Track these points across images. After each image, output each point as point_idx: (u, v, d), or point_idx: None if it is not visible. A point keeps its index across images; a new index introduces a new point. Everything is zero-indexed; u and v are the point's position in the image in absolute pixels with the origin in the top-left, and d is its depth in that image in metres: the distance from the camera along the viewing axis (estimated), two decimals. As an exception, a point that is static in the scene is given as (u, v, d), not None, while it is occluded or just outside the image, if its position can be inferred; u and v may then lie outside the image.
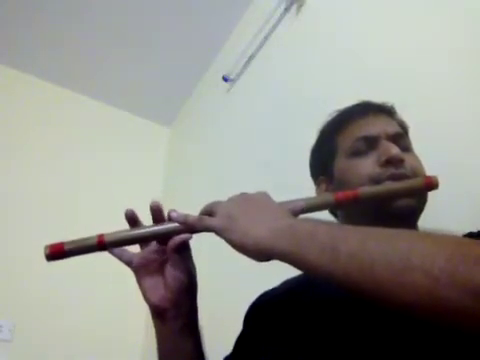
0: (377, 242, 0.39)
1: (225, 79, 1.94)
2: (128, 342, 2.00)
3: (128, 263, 0.62)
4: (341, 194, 0.60)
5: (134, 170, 2.38)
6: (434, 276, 0.33)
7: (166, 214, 0.60)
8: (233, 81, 1.94)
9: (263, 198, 0.55)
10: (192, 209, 0.62)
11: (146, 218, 0.61)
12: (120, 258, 0.62)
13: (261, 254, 0.48)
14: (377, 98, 0.74)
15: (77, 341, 1.88)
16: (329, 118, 0.75)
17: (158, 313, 0.61)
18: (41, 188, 2.10)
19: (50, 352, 1.81)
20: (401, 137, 0.67)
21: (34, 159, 2.16)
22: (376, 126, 0.67)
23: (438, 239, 0.37)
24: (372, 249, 0.38)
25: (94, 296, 1.99)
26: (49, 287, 1.91)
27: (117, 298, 2.01)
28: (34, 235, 1.86)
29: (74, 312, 1.92)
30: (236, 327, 0.69)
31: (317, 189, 0.72)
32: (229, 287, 1.48)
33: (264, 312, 0.65)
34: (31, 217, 2.02)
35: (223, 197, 0.58)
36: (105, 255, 0.62)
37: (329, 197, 0.61)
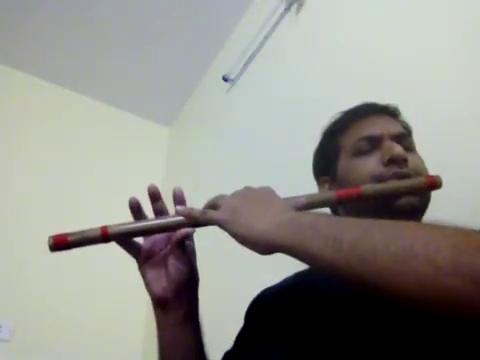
0: (380, 231, 0.39)
1: (225, 79, 1.95)
2: (128, 342, 2.00)
3: (136, 256, 0.63)
4: (343, 191, 0.60)
5: (134, 170, 2.38)
6: (437, 265, 0.33)
7: (166, 207, 0.61)
8: (233, 81, 1.95)
9: (267, 192, 0.55)
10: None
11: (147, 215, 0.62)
12: (129, 251, 0.62)
13: (265, 247, 0.48)
14: (377, 98, 0.74)
15: (77, 341, 1.88)
16: (332, 119, 0.75)
17: (160, 304, 0.62)
18: (41, 188, 2.10)
19: (50, 352, 1.81)
20: (404, 137, 0.68)
21: (34, 159, 2.15)
22: (379, 126, 0.67)
23: (441, 229, 0.37)
24: (375, 238, 0.38)
25: (94, 296, 1.99)
26: (49, 287, 1.91)
27: (117, 298, 2.01)
28: (34, 235, 1.85)
29: (74, 312, 1.92)
30: (237, 322, 0.70)
31: (320, 189, 0.73)
32: (231, 282, 1.49)
33: (265, 308, 0.65)
34: (31, 217, 2.01)
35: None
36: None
37: (331, 194, 0.62)
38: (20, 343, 1.79)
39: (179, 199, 0.61)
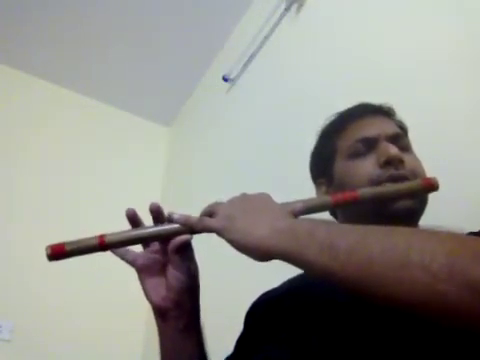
0: (376, 239, 0.39)
1: (225, 79, 1.94)
2: (128, 341, 2.00)
3: (131, 263, 0.62)
4: (339, 195, 0.60)
5: (134, 170, 2.38)
6: (433, 271, 0.33)
7: (166, 215, 0.60)
8: (233, 81, 1.94)
9: (264, 198, 0.55)
10: (192, 209, 0.62)
11: (146, 218, 0.61)
12: (123, 258, 0.62)
13: (262, 254, 0.48)
14: (377, 98, 0.74)
15: (77, 341, 1.88)
16: (328, 120, 0.75)
17: (160, 313, 0.62)
18: (41, 188, 2.10)
19: (50, 352, 1.81)
20: (400, 138, 0.67)
21: (34, 159, 2.16)
22: (375, 127, 0.67)
23: (437, 235, 0.37)
24: (371, 245, 0.39)
25: (94, 296, 1.99)
26: (49, 287, 1.91)
27: (117, 298, 2.01)
28: (34, 235, 1.86)
29: (74, 312, 1.92)
30: (237, 327, 0.69)
31: (317, 191, 0.72)
32: (229, 287, 1.48)
33: (265, 312, 0.65)
34: (31, 217, 2.02)
35: (223, 198, 0.58)
36: (105, 255, 0.62)
37: (327, 198, 0.61)
38: (20, 343, 1.79)
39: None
